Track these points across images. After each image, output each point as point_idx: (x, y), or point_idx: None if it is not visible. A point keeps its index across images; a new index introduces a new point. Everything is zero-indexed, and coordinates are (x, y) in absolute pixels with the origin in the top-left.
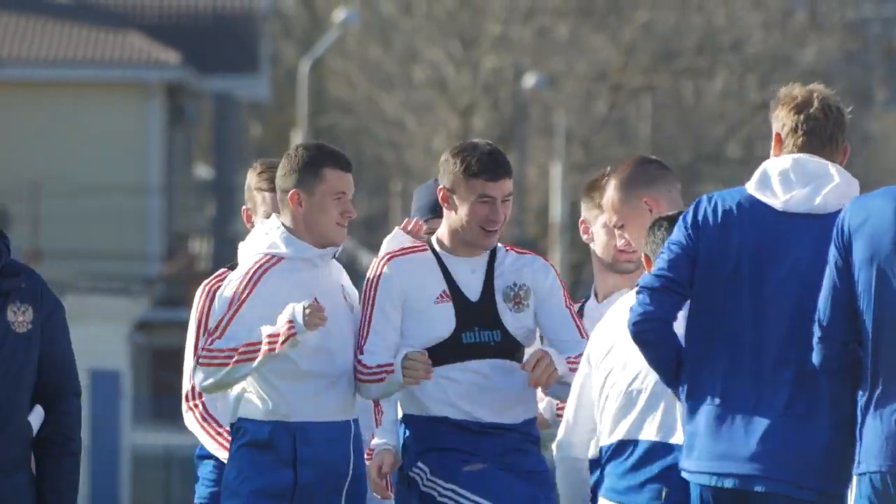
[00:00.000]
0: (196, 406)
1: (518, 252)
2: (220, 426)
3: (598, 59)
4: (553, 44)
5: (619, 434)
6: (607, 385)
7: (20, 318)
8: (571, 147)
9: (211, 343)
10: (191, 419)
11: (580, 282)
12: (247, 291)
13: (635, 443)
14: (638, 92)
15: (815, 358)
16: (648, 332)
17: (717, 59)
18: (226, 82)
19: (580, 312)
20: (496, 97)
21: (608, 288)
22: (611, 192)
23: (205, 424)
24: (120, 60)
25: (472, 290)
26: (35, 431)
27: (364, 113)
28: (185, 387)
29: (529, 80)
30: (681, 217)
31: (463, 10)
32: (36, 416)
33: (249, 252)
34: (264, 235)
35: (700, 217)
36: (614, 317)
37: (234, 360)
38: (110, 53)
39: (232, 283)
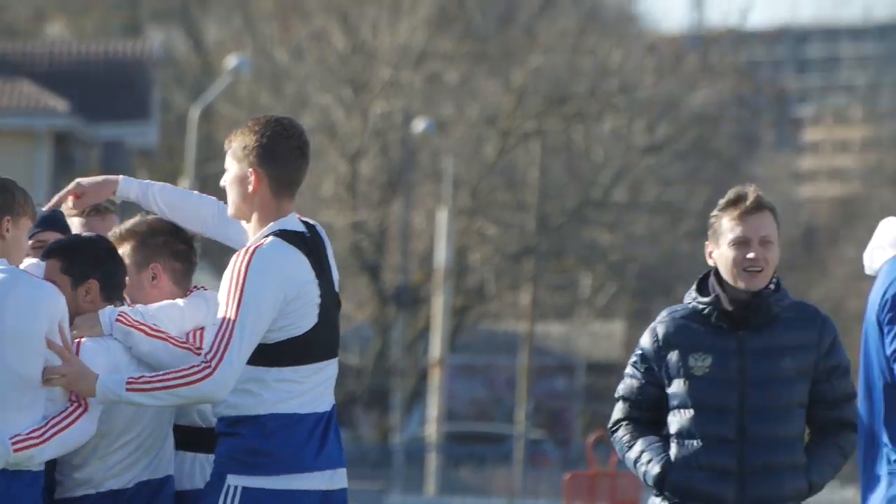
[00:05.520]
0: None
1: None
2: None
3: (488, 104)
4: (443, 88)
5: None
6: None
7: None
8: (459, 192)
9: None
10: None
11: (462, 326)
12: None
13: None
14: (528, 136)
15: None
16: None
17: (609, 102)
18: (115, 129)
19: None
20: (385, 142)
21: None
22: None
23: None
24: (8, 107)
25: None
26: None
27: None
28: None
29: (419, 126)
30: None
31: (354, 55)
32: None
33: None
34: None
35: None
36: None
37: None
38: None
39: None
